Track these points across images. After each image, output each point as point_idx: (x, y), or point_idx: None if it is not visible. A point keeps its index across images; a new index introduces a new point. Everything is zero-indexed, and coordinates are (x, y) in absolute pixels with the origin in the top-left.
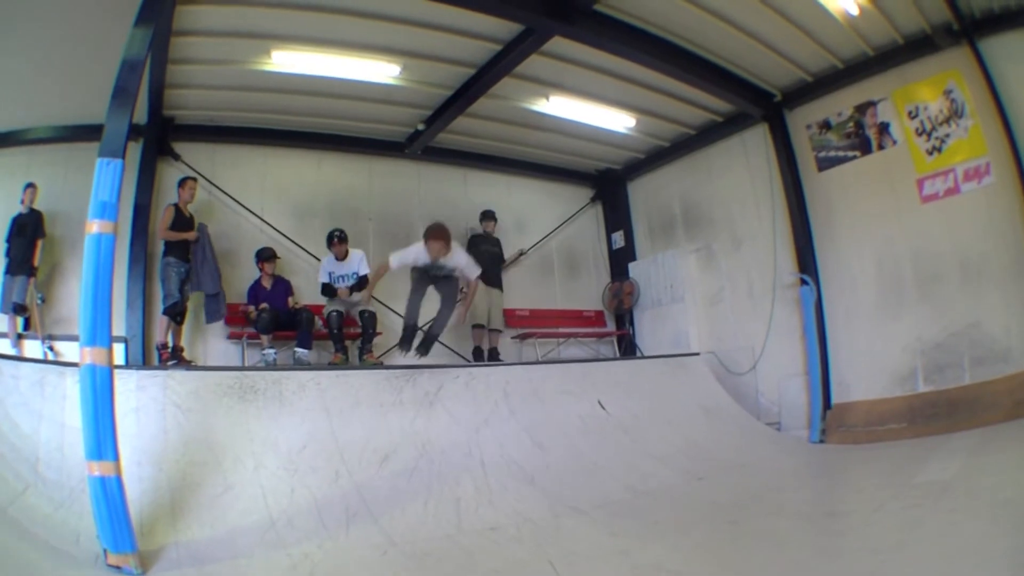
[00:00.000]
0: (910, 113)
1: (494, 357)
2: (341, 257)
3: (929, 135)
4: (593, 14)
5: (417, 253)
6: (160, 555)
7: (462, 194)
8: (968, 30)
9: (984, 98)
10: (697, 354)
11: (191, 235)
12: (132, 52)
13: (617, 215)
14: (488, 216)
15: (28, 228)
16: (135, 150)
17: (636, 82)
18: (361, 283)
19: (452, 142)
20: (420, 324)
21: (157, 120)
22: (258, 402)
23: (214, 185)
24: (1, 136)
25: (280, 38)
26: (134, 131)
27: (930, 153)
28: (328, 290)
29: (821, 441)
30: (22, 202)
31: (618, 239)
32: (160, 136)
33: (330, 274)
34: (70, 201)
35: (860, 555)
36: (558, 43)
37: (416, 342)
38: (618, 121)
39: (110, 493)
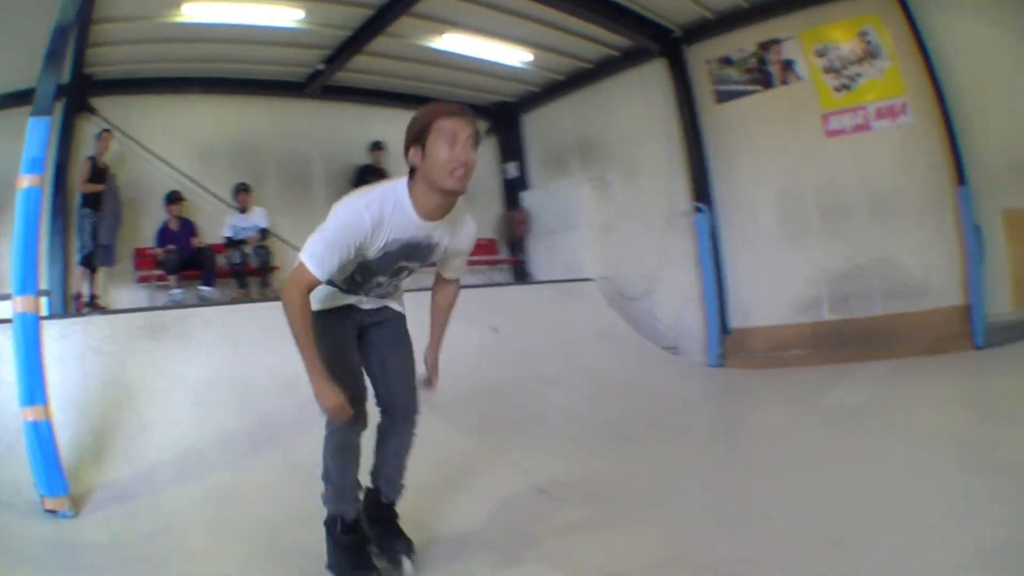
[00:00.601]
0: (818, 52)
1: None
2: (245, 209)
3: (839, 72)
4: None
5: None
6: (89, 497)
7: (360, 132)
8: None
9: (907, 44)
10: (591, 280)
11: (101, 188)
12: (64, 17)
13: (511, 147)
14: (377, 146)
15: None
16: (57, 108)
17: (531, 18)
18: (263, 235)
19: (351, 80)
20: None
21: (79, 78)
22: (167, 341)
23: (128, 136)
24: None
25: None
26: (58, 90)
27: (838, 90)
28: (231, 243)
29: (720, 365)
30: None
31: (511, 169)
32: (80, 93)
33: (233, 227)
34: (2, 167)
35: (762, 470)
36: None
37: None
38: (514, 56)
39: (43, 437)
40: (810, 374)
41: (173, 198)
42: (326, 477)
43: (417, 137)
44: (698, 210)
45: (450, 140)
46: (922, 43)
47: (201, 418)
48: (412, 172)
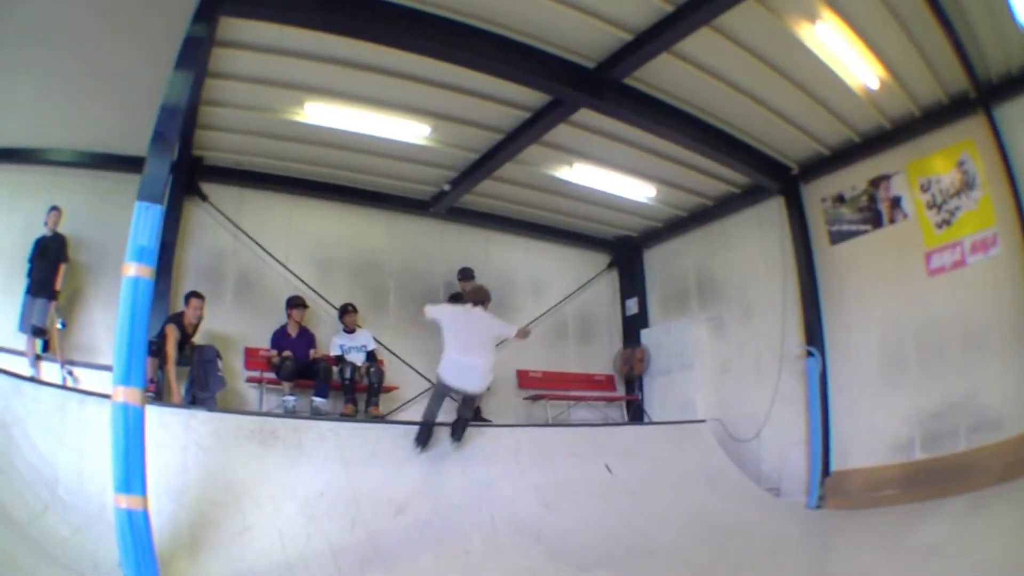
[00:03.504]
0: (923, 186)
1: (478, 417)
2: (350, 329)
3: (940, 208)
4: (622, 87)
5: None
6: None
7: (483, 254)
8: (984, 97)
9: (996, 167)
10: (703, 421)
11: (171, 380)
12: (172, 97)
13: (632, 282)
14: (464, 274)
15: (51, 251)
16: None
17: (658, 153)
18: (369, 357)
19: (476, 204)
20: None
21: (186, 158)
22: (277, 447)
23: (240, 229)
24: (28, 152)
25: (314, 90)
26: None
27: (939, 226)
28: (340, 360)
29: (819, 507)
30: (46, 224)
31: (632, 305)
32: (189, 175)
33: (341, 346)
34: (94, 228)
35: None
36: (585, 114)
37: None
38: (639, 190)
39: (136, 526)
40: (899, 514)
41: (296, 303)
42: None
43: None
44: (809, 354)
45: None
46: (1008, 165)
47: (308, 530)
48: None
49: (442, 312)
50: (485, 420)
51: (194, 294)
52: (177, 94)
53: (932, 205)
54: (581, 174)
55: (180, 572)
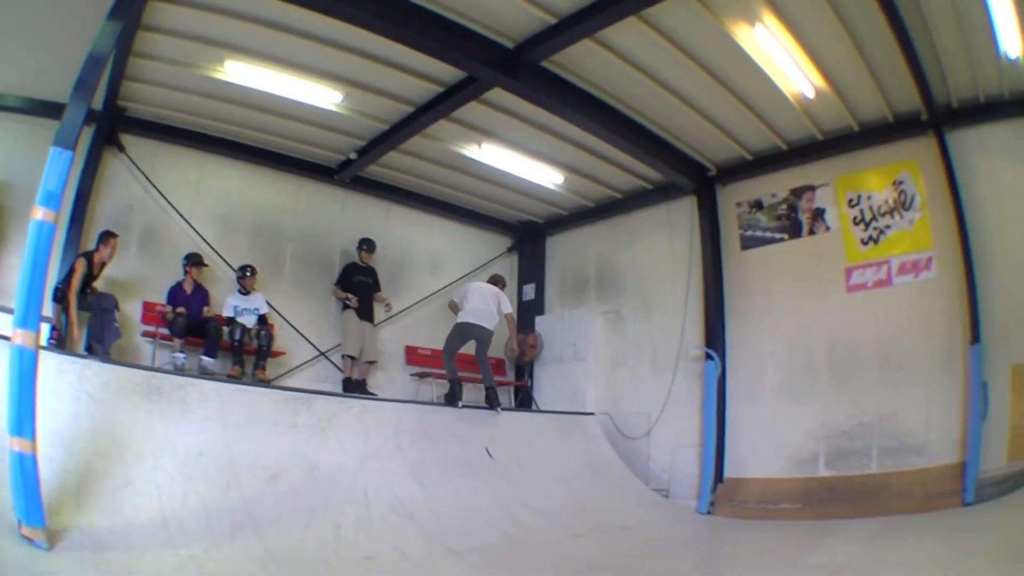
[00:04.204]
0: (851, 201)
1: (362, 389)
2: (246, 291)
3: (867, 225)
4: (539, 71)
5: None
6: (65, 535)
7: (383, 227)
8: (938, 121)
9: (941, 192)
10: (592, 414)
11: (73, 319)
12: (99, 47)
13: (532, 268)
14: (368, 246)
15: None
16: (86, 134)
17: (571, 141)
18: (260, 320)
19: (380, 175)
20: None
21: (111, 108)
22: (162, 404)
23: (150, 182)
24: None
25: (235, 49)
26: (88, 116)
27: (865, 243)
28: (231, 322)
29: (710, 512)
30: None
31: (529, 291)
32: (111, 125)
33: (234, 307)
34: (24, 174)
35: None
36: (499, 93)
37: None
38: (547, 176)
39: (26, 469)
40: (798, 529)
41: (195, 261)
42: (491, 373)
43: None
44: (708, 356)
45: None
46: (956, 192)
47: (185, 488)
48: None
49: (467, 287)
50: (370, 394)
51: (109, 233)
52: (105, 44)
53: (859, 221)
54: (489, 154)
55: (66, 520)
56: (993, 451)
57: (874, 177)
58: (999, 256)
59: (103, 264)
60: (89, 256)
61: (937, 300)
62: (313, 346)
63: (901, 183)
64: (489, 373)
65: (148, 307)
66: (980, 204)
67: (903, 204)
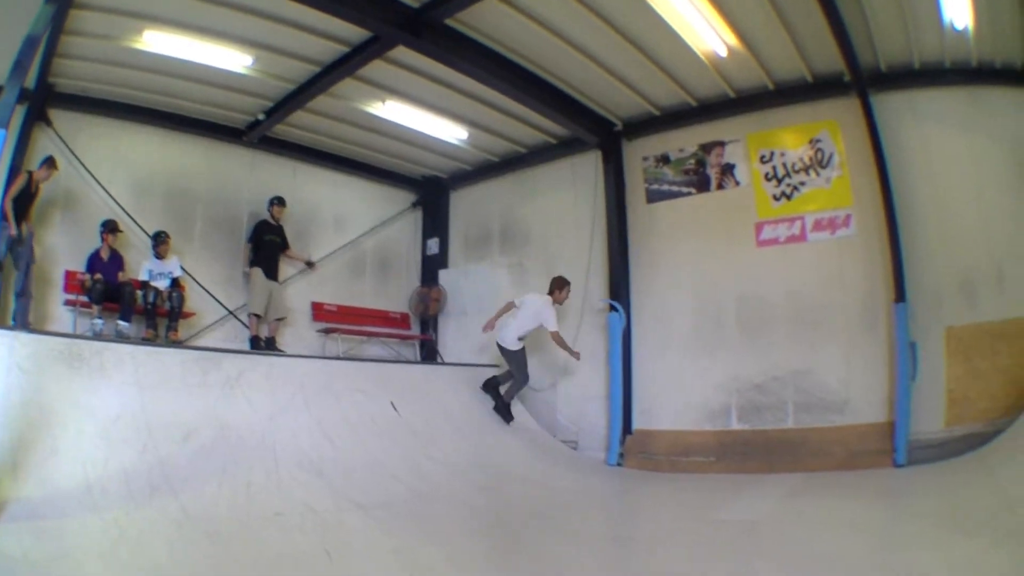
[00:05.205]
0: (763, 158)
1: (271, 346)
2: (161, 256)
3: (780, 181)
4: (443, 29)
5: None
6: (5, 507)
7: (290, 186)
8: (862, 83)
9: (862, 153)
10: (497, 367)
11: (11, 230)
12: (35, 29)
13: (436, 222)
14: (280, 202)
15: None
16: (19, 112)
17: (475, 97)
18: (173, 283)
19: (288, 134)
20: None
21: (42, 86)
22: (83, 371)
23: (72, 153)
24: None
25: (154, 19)
26: (21, 95)
27: (777, 199)
28: (146, 286)
29: (619, 464)
30: None
31: (433, 245)
32: (41, 102)
33: (149, 271)
34: None
35: None
36: (402, 51)
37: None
38: (451, 132)
39: None
40: (711, 482)
41: (110, 227)
42: (514, 393)
43: (559, 287)
44: (612, 308)
45: (567, 293)
46: (880, 153)
47: (106, 453)
48: (552, 294)
49: (522, 299)
50: (278, 351)
51: (53, 160)
52: (41, 25)
53: (771, 177)
54: (393, 111)
55: (3, 492)
56: (929, 414)
57: (789, 135)
58: (933, 221)
59: (39, 185)
60: (31, 173)
61: (856, 258)
62: (222, 305)
63: (818, 142)
64: (505, 381)
65: (70, 276)
66: (910, 168)
67: (819, 162)
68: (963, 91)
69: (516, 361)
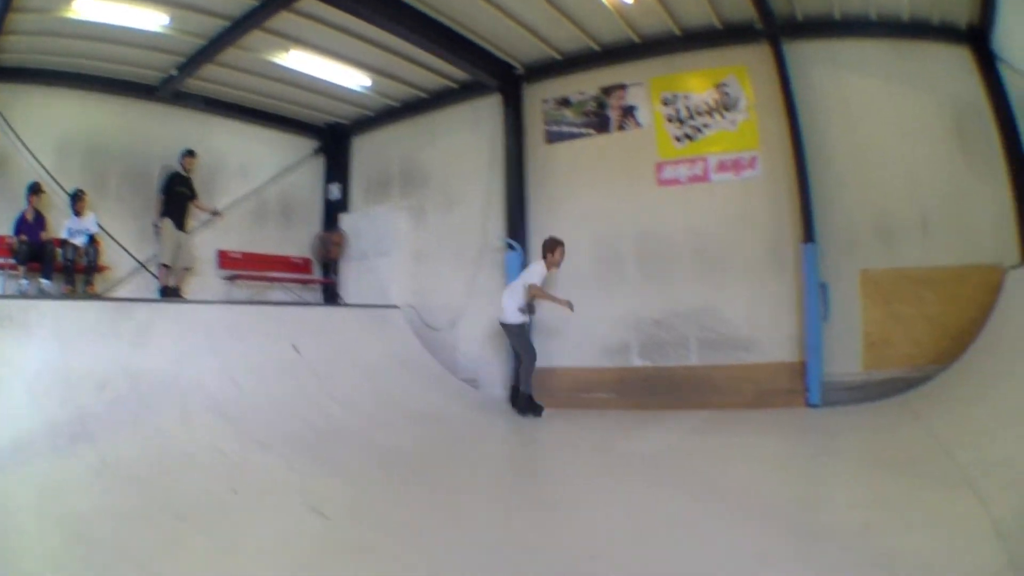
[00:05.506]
0: (665, 100)
1: (176, 295)
2: (80, 213)
3: (683, 123)
4: None
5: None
6: None
7: (200, 138)
8: (774, 31)
9: (772, 98)
10: (397, 307)
11: None
12: None
13: (338, 168)
14: (190, 154)
15: None
16: None
17: (377, 44)
18: (90, 239)
19: (199, 88)
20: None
21: None
22: (12, 329)
23: (7, 124)
24: None
25: None
26: None
27: (679, 140)
28: (64, 243)
29: None
30: None
31: (334, 191)
32: None
33: (68, 229)
34: None
35: (531, 512)
36: (308, 2)
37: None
38: (354, 79)
39: None
40: (612, 419)
41: (35, 189)
42: (528, 378)
43: (550, 249)
44: (510, 247)
45: (560, 254)
46: (791, 99)
47: (32, 408)
48: (545, 258)
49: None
50: (185, 300)
51: None
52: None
53: (674, 119)
54: (298, 61)
55: None
56: (846, 356)
57: (695, 79)
58: (849, 167)
59: None
60: None
61: (763, 199)
62: (134, 258)
63: (725, 86)
64: (519, 375)
65: (0, 241)
66: (826, 115)
67: (725, 106)
68: (889, 44)
69: (520, 338)
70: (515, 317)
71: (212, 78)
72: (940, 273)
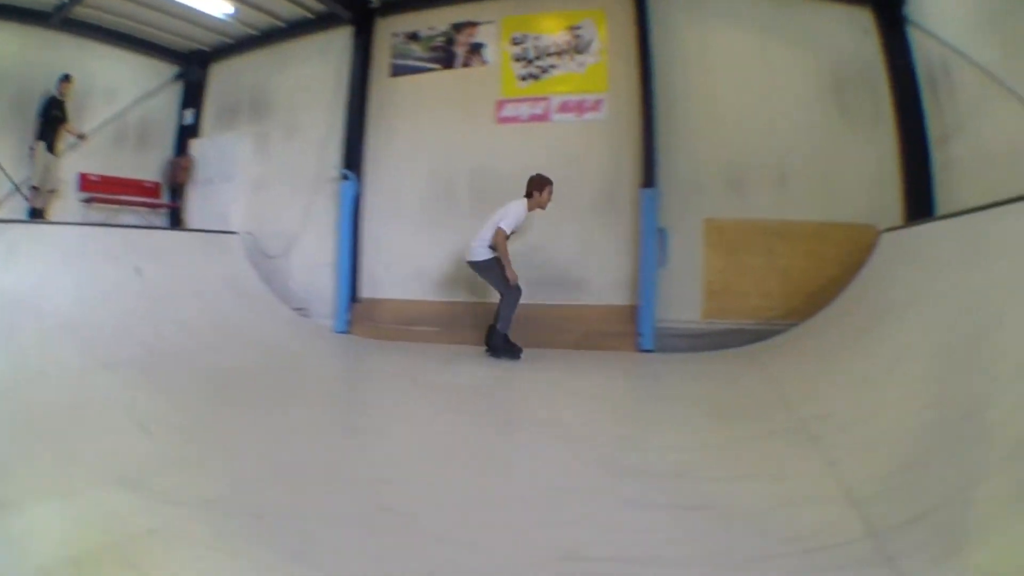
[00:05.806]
0: (515, 40)
1: (40, 216)
2: None
3: (530, 62)
4: None
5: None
6: None
7: (78, 63)
8: None
9: (626, 43)
10: (235, 233)
11: None
12: None
13: (194, 94)
14: (67, 79)
15: None
16: None
17: None
18: None
19: (86, 16)
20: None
21: None
22: None
23: None
24: None
25: None
26: None
27: (524, 79)
28: None
29: (347, 332)
30: None
31: (188, 116)
32: None
33: None
34: None
35: (338, 437)
36: None
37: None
38: (217, 6)
39: None
40: (437, 351)
41: None
42: (507, 317)
43: (538, 187)
44: (345, 177)
45: (548, 194)
46: (645, 44)
47: None
48: (530, 196)
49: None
50: (48, 221)
51: None
52: None
53: (521, 59)
54: None
55: None
56: (685, 304)
57: (549, 20)
58: (702, 116)
59: None
60: None
61: (604, 142)
62: (9, 179)
63: (579, 28)
64: (498, 312)
65: None
66: (683, 63)
67: (577, 48)
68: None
69: (493, 274)
70: (483, 254)
71: (98, 4)
72: (796, 227)
